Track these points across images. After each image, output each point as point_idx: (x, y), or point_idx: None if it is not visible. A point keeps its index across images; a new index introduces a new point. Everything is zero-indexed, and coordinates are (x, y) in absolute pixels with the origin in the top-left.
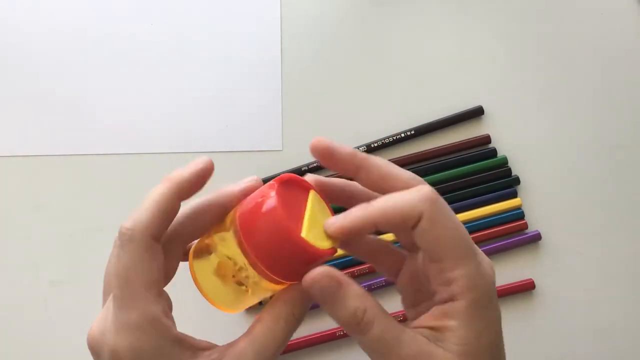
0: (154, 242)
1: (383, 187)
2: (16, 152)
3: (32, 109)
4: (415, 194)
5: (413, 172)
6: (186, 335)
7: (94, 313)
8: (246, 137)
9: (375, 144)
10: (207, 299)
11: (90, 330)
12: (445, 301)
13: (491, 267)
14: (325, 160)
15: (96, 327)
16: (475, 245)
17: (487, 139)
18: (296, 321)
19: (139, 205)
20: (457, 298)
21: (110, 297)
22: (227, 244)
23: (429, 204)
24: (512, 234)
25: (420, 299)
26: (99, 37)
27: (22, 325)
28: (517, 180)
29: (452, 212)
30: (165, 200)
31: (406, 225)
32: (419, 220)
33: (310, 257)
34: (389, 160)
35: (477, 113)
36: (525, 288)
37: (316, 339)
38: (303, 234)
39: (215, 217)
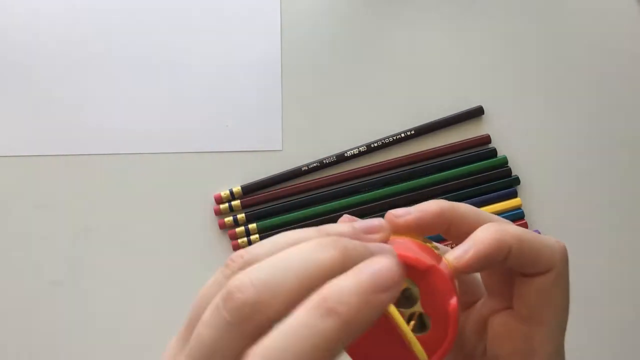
0: None
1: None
2: (16, 152)
3: (32, 109)
4: (555, 243)
5: (413, 172)
6: None
7: (93, 313)
8: (246, 137)
9: (375, 144)
10: None
11: None
12: None
13: None
14: (411, 232)
15: None
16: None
17: (487, 139)
18: None
19: None
20: None
21: None
22: None
23: (564, 261)
24: None
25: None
26: (99, 37)
27: (22, 325)
28: (517, 180)
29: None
30: None
31: (530, 268)
32: (546, 271)
33: None
34: (389, 160)
35: (477, 113)
36: None
37: None
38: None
39: None
